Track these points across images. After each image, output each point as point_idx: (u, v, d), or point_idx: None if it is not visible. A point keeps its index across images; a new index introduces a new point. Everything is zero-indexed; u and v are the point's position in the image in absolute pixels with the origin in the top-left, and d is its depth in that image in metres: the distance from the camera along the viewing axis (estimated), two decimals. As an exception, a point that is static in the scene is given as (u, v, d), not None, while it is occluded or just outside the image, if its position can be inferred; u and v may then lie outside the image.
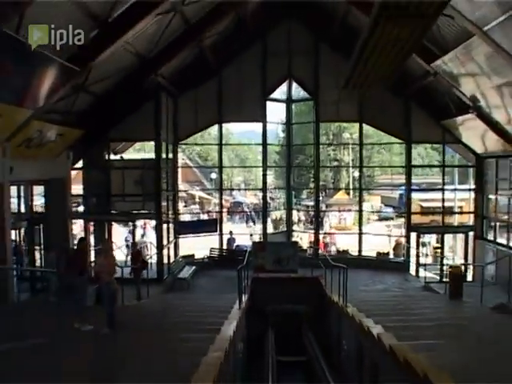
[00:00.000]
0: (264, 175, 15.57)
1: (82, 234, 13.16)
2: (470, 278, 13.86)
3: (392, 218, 26.18)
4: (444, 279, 12.14)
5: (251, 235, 16.47)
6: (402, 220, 16.76)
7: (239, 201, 31.04)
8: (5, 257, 8.89)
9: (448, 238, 15.83)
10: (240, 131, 29.67)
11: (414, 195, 16.28)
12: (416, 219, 15.67)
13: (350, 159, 27.62)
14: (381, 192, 29.15)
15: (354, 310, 8.60)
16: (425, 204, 18.86)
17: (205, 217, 21.24)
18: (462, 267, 11.41)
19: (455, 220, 16.76)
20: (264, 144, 15.16)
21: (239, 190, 31.34)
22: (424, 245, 17.12)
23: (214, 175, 28.05)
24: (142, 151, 21.48)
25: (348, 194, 27.94)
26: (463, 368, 4.80)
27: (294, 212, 18.94)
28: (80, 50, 8.51)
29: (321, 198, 21.08)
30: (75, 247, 8.71)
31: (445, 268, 12.86)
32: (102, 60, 9.16)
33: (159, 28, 10.58)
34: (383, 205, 30.12)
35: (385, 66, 5.22)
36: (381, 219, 27.22)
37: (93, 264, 7.94)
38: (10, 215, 9.12)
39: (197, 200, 29.44)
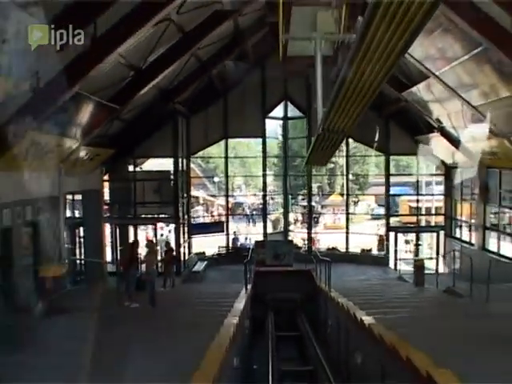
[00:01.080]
0: (264, 183, 18.18)
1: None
2: (441, 269, 16.38)
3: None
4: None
5: (246, 238, 18.88)
6: (392, 219, 19.34)
7: (240, 201, 33.53)
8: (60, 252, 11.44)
9: (427, 236, 18.40)
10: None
11: (404, 196, 19.32)
12: (405, 219, 18.31)
13: (344, 162, 30.15)
14: (375, 192, 31.57)
15: (336, 293, 11.11)
16: (413, 204, 21.35)
17: (208, 217, 23.72)
18: (425, 260, 13.97)
19: (433, 220, 19.31)
20: (264, 156, 17.77)
21: (242, 195, 33.69)
22: (408, 242, 19.66)
23: (216, 179, 30.68)
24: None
25: (342, 195, 30.40)
26: (407, 325, 7.31)
27: (291, 214, 21.51)
28: (119, 93, 11.14)
29: (317, 199, 23.67)
30: (129, 246, 11.19)
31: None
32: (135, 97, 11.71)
33: (179, 67, 13.09)
34: (377, 205, 32.56)
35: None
36: (373, 218, 29.73)
37: (141, 258, 10.41)
38: (64, 220, 11.70)
39: (201, 202, 31.92)
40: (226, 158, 17.65)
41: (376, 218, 29.52)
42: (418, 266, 12.44)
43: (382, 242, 17.75)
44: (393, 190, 18.83)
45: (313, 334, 11.34)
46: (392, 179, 18.14)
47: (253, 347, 11.02)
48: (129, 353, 5.21)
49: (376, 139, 16.37)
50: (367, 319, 7.48)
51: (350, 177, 21.17)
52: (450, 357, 4.66)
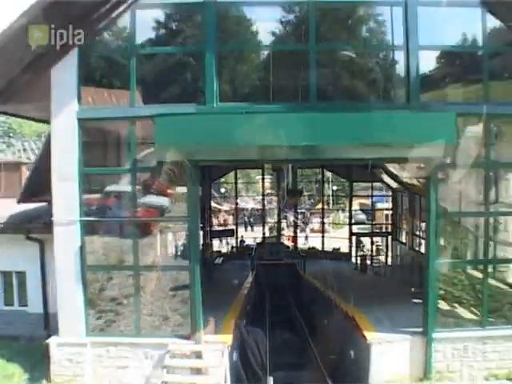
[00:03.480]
0: (263, 199, 25.57)
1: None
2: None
3: (363, 223, 35.68)
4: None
5: (242, 241, 26.11)
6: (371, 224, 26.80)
7: (241, 207, 41.09)
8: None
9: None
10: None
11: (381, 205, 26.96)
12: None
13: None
14: (360, 199, 38.88)
15: (310, 276, 18.42)
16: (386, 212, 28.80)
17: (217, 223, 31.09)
18: (368, 255, 21.43)
19: (389, 228, 26.71)
20: (262, 185, 25.23)
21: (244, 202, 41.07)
22: (372, 243, 27.05)
23: (223, 189, 38.58)
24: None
25: (328, 203, 37.88)
26: (342, 287, 14.54)
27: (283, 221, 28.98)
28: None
29: (308, 206, 30.82)
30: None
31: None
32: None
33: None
34: (361, 210, 39.96)
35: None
36: (355, 223, 36.97)
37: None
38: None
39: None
40: (236, 183, 25.04)
41: (358, 222, 36.92)
42: (362, 259, 19.88)
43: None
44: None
45: (293, 301, 18.65)
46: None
47: (257, 306, 18.33)
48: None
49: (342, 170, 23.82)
50: (321, 287, 14.88)
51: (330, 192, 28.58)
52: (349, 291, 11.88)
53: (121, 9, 8.29)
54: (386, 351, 8.53)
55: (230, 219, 32.41)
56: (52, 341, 8.71)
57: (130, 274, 8.89)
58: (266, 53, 8.90)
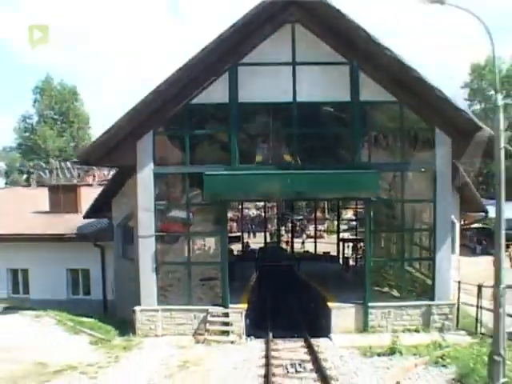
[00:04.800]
0: (265, 212, 31.39)
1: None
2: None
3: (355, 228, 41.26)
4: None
5: (247, 246, 31.86)
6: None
7: (244, 214, 46.88)
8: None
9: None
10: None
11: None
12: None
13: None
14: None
15: (303, 273, 24.18)
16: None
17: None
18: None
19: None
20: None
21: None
22: (356, 247, 32.83)
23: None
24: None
25: (323, 212, 43.75)
26: (326, 279, 20.37)
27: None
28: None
29: (306, 214, 36.58)
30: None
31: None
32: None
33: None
34: (354, 217, 45.62)
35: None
36: (349, 229, 42.60)
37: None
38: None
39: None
40: (242, 201, 30.89)
41: (348, 229, 42.59)
42: (347, 259, 25.68)
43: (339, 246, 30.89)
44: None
45: (288, 290, 24.38)
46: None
47: (261, 293, 23.94)
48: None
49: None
50: (309, 280, 20.71)
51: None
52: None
53: (180, 106, 14.19)
54: (340, 314, 14.39)
55: (234, 226, 37.98)
56: (137, 308, 14.53)
57: (184, 266, 14.78)
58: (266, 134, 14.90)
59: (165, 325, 14.48)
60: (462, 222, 22.09)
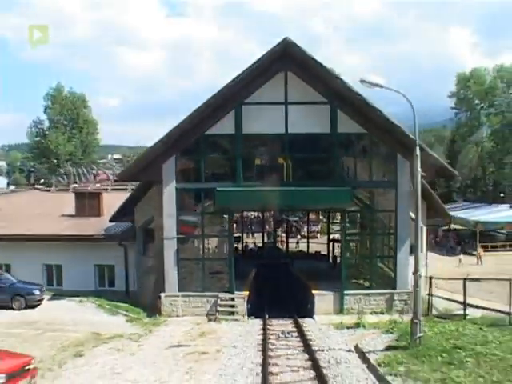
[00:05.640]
0: (263, 214, 35.64)
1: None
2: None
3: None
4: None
5: (246, 245, 36.11)
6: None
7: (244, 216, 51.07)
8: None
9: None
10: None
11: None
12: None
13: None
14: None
15: (295, 269, 28.42)
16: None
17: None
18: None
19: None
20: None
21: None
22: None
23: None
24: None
25: (318, 214, 48.09)
26: (316, 274, 24.63)
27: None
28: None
29: (301, 215, 40.84)
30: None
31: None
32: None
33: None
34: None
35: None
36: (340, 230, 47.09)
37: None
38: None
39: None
40: (244, 214, 35.19)
41: (340, 230, 47.01)
42: (334, 257, 29.93)
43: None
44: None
45: (282, 283, 28.62)
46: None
47: (260, 284, 28.24)
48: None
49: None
50: (300, 275, 25.00)
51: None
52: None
53: (197, 136, 18.44)
54: (322, 299, 18.68)
55: (235, 227, 41.96)
56: (162, 294, 18.77)
57: (199, 261, 19.06)
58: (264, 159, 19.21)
59: (184, 307, 18.74)
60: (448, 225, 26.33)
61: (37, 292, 20.25)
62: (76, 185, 38.54)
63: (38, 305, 19.93)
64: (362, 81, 12.80)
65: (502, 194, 66.78)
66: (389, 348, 12.66)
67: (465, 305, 16.67)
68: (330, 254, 32.97)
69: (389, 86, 13.86)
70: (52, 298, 21.12)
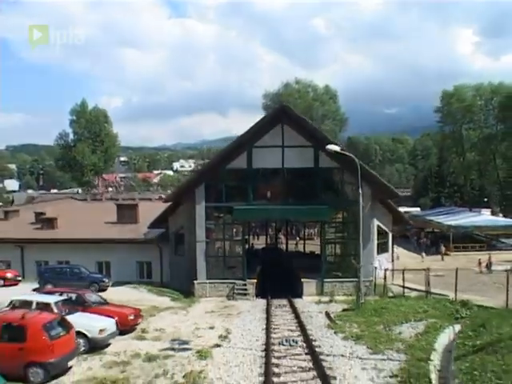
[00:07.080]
0: (266, 224, 44.09)
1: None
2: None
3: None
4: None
5: (252, 246, 44.57)
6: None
7: (249, 220, 59.50)
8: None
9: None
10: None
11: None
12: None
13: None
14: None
15: (292, 266, 36.72)
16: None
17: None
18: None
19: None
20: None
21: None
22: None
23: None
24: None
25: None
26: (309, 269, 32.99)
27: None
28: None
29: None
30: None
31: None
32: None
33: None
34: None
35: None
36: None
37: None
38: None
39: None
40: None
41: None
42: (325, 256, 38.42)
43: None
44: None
45: (282, 276, 36.93)
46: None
47: (263, 280, 36.56)
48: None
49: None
50: (295, 269, 33.45)
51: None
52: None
53: (219, 170, 26.95)
54: (308, 285, 27.31)
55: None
56: (195, 281, 27.36)
57: (221, 258, 27.61)
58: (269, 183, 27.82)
59: (210, 291, 27.34)
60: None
61: (106, 280, 28.80)
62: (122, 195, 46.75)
63: (106, 289, 28.40)
64: (328, 148, 21.28)
65: (485, 199, 75.26)
66: (343, 310, 21.27)
67: (404, 288, 25.16)
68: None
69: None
70: (113, 285, 29.61)
